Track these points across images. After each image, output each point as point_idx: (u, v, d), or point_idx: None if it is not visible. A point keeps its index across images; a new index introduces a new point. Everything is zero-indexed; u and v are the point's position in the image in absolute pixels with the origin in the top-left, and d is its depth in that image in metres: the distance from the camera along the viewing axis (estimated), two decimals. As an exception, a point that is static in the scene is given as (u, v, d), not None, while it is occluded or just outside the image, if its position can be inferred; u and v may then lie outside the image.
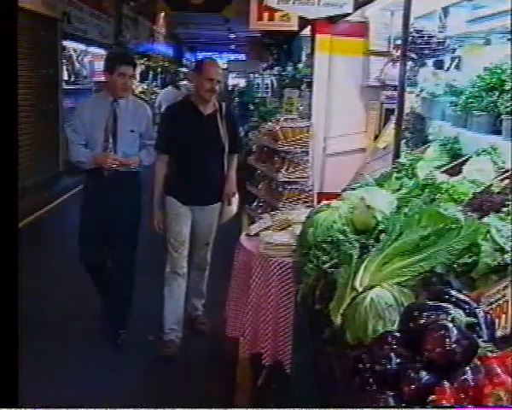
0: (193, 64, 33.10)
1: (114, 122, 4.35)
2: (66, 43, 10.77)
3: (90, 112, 4.40)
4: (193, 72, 4.48)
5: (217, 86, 4.30)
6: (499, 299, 1.89)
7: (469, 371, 1.46)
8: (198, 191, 4.41)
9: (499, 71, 3.60)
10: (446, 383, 1.44)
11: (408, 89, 4.80)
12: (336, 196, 3.34)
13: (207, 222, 4.56)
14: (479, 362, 1.47)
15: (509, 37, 4.51)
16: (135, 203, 4.48)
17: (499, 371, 1.27)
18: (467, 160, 3.37)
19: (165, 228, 4.44)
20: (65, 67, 10.95)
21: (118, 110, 4.38)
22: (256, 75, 17.10)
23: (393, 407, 1.53)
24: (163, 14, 20.47)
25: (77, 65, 11.82)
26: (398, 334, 1.74)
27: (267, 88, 15.18)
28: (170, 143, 4.35)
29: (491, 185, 2.79)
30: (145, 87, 17.46)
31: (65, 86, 10.77)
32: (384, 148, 5.52)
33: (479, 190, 2.77)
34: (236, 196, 4.65)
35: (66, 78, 11.01)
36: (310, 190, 6.10)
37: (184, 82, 24.04)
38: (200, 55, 34.39)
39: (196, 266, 4.76)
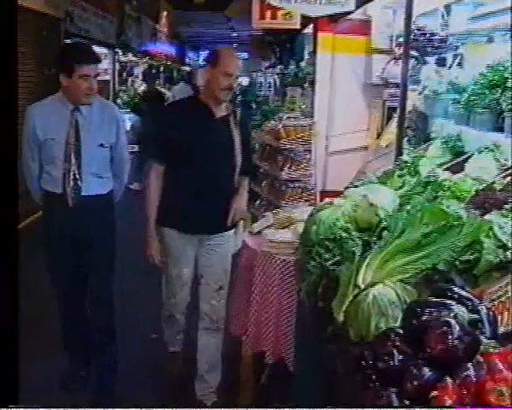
0: (198, 59, 32.96)
1: (77, 136, 3.39)
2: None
3: (44, 124, 3.39)
4: (205, 64, 3.47)
5: (235, 84, 3.37)
6: (502, 296, 1.89)
7: (472, 368, 1.47)
8: (206, 214, 3.36)
9: (501, 68, 3.60)
10: (449, 380, 1.45)
11: (411, 87, 4.81)
12: (339, 194, 3.34)
13: (218, 257, 3.47)
14: (481, 358, 1.48)
15: (512, 34, 4.51)
16: (108, 227, 3.65)
17: (501, 367, 1.27)
18: (469, 157, 3.37)
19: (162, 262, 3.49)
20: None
21: (80, 120, 3.41)
22: (259, 74, 17.08)
23: (396, 407, 1.53)
24: (165, 13, 20.51)
25: (79, 64, 11.81)
26: (400, 331, 1.75)
27: (270, 86, 15.16)
28: (169, 149, 3.31)
29: (493, 183, 2.79)
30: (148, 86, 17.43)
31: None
32: (386, 146, 5.52)
33: (481, 187, 2.77)
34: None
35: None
36: (312, 189, 6.09)
37: (181, 84, 24.08)
38: (203, 53, 34.34)
39: (207, 323, 3.52)
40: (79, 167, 3.40)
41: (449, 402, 1.35)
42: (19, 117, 1.49)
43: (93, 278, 3.63)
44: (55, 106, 3.43)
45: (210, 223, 3.41)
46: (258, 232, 3.90)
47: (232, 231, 3.53)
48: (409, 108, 4.66)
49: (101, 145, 3.47)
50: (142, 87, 16.40)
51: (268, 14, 8.63)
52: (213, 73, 3.27)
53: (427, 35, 5.22)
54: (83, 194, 3.44)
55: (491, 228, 2.14)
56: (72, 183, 3.41)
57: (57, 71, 3.41)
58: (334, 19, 6.43)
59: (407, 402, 1.54)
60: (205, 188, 3.33)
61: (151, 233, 3.40)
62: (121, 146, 3.61)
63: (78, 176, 3.41)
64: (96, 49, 12.52)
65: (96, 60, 3.48)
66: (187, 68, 27.75)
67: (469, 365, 1.49)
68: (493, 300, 1.91)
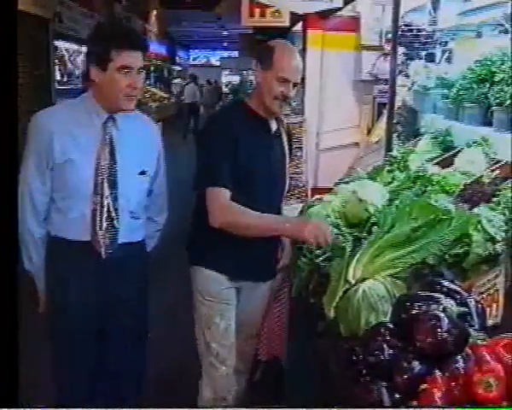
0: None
1: (112, 158, 2.41)
2: (58, 43, 10.74)
3: (64, 140, 2.34)
4: (257, 63, 2.65)
5: (293, 92, 2.59)
6: (490, 288, 1.91)
7: (461, 360, 1.48)
8: (262, 255, 2.71)
9: (489, 63, 3.62)
10: (438, 373, 1.46)
11: (401, 82, 4.82)
12: (330, 190, 3.35)
13: (259, 303, 2.87)
14: (469, 351, 1.49)
15: (501, 29, 4.54)
16: (143, 288, 2.68)
17: (489, 358, 1.28)
18: (458, 152, 3.39)
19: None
20: (57, 68, 10.93)
21: (116, 135, 2.43)
22: (249, 72, 17.09)
23: (397, 407, 1.54)
24: (155, 12, 20.48)
25: (69, 65, 11.79)
26: (390, 325, 1.76)
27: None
28: (235, 172, 2.53)
29: (481, 176, 2.81)
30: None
31: (58, 86, 10.74)
32: (377, 142, 5.53)
33: (470, 181, 2.79)
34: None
35: (58, 78, 10.99)
36: (303, 186, 6.09)
37: (178, 80, 24.05)
38: (194, 53, 34.23)
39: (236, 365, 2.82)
40: (115, 202, 2.42)
41: (438, 395, 1.36)
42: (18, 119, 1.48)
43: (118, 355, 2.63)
44: (79, 114, 2.42)
45: (265, 267, 2.77)
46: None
47: (274, 278, 2.87)
48: (398, 103, 4.68)
49: (143, 173, 2.51)
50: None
51: (257, 11, 8.62)
52: (265, 77, 2.56)
53: (415, 31, 5.24)
54: (120, 241, 2.45)
55: (479, 221, 2.16)
56: (105, 224, 2.41)
57: (87, 64, 2.43)
58: (323, 16, 6.45)
59: (397, 396, 1.55)
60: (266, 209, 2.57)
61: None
62: (162, 177, 2.67)
63: (113, 214, 2.42)
64: (86, 49, 12.54)
65: (143, 46, 2.43)
66: (178, 68, 27.78)
67: (458, 357, 1.50)
68: (482, 292, 1.92)
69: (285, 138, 2.78)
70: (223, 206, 2.48)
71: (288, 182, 2.82)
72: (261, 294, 2.84)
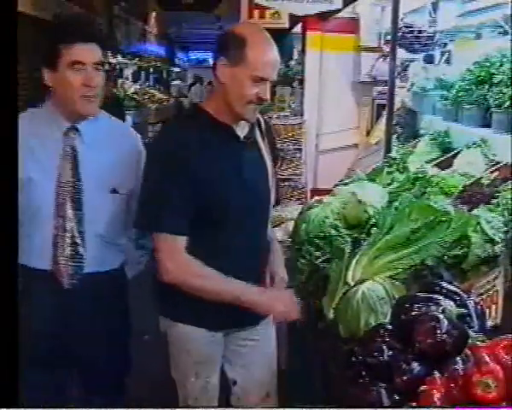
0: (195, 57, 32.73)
1: (75, 174, 2.10)
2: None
3: (24, 154, 1.70)
4: (223, 60, 2.01)
5: (267, 94, 2.04)
6: (489, 290, 1.91)
7: (460, 362, 1.48)
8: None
9: (488, 64, 3.62)
10: (437, 374, 1.46)
11: (400, 83, 4.83)
12: (329, 192, 3.35)
13: (260, 351, 2.30)
14: (469, 352, 1.49)
15: (500, 30, 4.55)
16: (120, 322, 2.35)
17: (488, 359, 1.29)
18: (457, 153, 3.39)
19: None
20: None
21: (80, 147, 2.12)
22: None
23: (397, 407, 1.54)
24: (154, 13, 20.47)
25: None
26: (389, 326, 1.76)
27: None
28: (192, 202, 2.00)
29: (481, 178, 2.81)
30: (138, 87, 17.43)
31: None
32: (376, 143, 5.53)
33: (469, 182, 2.79)
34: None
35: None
36: (303, 187, 6.11)
37: (177, 81, 24.07)
38: (193, 54, 34.27)
39: None
40: (80, 225, 2.10)
41: (437, 396, 1.36)
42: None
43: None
44: (39, 125, 2.14)
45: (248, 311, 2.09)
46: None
47: None
48: (397, 105, 4.68)
49: (115, 191, 2.16)
50: (131, 89, 16.37)
51: (256, 13, 8.63)
52: (234, 75, 1.98)
53: (415, 32, 5.24)
54: (86, 271, 2.13)
55: (478, 223, 2.16)
56: (68, 251, 2.09)
57: (41, 65, 2.10)
58: (322, 17, 6.45)
59: (396, 397, 1.55)
60: (238, 258, 2.08)
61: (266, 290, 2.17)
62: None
63: (78, 239, 2.09)
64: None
65: (98, 37, 2.10)
66: (177, 69, 27.78)
67: (457, 358, 1.50)
68: (481, 294, 1.93)
69: (262, 141, 2.20)
70: (172, 259, 1.98)
71: (273, 193, 2.24)
72: (257, 337, 2.27)
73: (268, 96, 2.03)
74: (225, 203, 2.03)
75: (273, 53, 2.03)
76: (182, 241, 1.99)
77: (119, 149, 2.21)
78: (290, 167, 6.04)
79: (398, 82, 4.62)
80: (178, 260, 1.99)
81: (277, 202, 2.40)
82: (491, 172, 2.89)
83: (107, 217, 2.16)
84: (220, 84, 2.02)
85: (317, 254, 2.51)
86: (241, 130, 2.12)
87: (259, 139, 2.20)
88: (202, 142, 2.00)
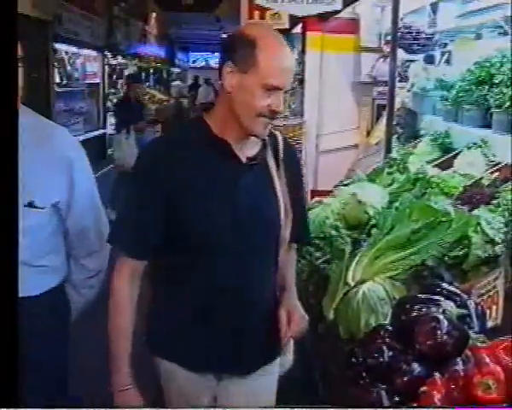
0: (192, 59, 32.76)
1: None
2: (57, 45, 10.75)
3: None
4: (230, 65, 1.69)
5: (281, 106, 1.72)
6: (490, 290, 1.91)
7: (460, 362, 1.48)
8: (237, 339, 1.84)
9: (488, 65, 3.62)
10: (437, 375, 1.46)
11: (400, 84, 4.83)
12: (330, 192, 3.35)
13: (256, 399, 1.94)
14: (469, 353, 1.49)
15: (500, 31, 4.55)
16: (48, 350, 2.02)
17: (488, 360, 1.28)
18: (458, 153, 3.39)
19: None
20: (56, 70, 10.94)
21: None
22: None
23: (398, 407, 1.54)
24: (154, 14, 20.49)
25: (68, 67, 11.81)
26: (390, 327, 1.76)
27: (259, 86, 15.18)
28: (162, 232, 1.74)
29: (481, 178, 2.81)
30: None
31: (57, 89, 10.75)
32: (376, 144, 5.53)
33: (469, 183, 2.79)
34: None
35: (57, 80, 10.99)
36: (303, 188, 6.10)
37: (177, 82, 24.10)
38: (194, 56, 34.28)
39: None
40: None
41: (438, 397, 1.36)
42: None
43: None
44: None
45: (245, 355, 1.85)
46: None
47: (277, 360, 1.97)
48: (397, 105, 4.68)
49: (31, 205, 1.83)
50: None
51: (256, 14, 8.63)
52: (242, 83, 1.68)
53: (414, 33, 5.25)
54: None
55: (479, 223, 2.16)
56: None
57: None
58: (322, 18, 6.44)
59: (397, 398, 1.55)
60: (231, 291, 1.77)
61: (125, 381, 1.79)
62: (84, 211, 2.01)
63: None
64: (85, 51, 12.55)
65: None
66: (177, 70, 27.80)
67: (458, 359, 1.50)
68: (482, 294, 1.92)
69: (275, 166, 1.83)
70: (117, 278, 1.78)
71: (287, 230, 1.84)
72: (255, 384, 1.90)
73: (282, 108, 1.71)
74: (207, 234, 1.72)
75: (287, 58, 1.71)
76: (133, 264, 1.75)
77: (39, 155, 1.84)
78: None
79: (398, 82, 4.62)
80: (120, 282, 1.77)
81: (298, 240, 2.01)
82: (492, 173, 2.89)
83: (24, 236, 1.62)
84: (226, 93, 1.71)
85: (318, 254, 2.51)
86: (247, 149, 1.77)
87: (271, 163, 1.82)
88: (190, 160, 1.72)
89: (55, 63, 10.82)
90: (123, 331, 1.79)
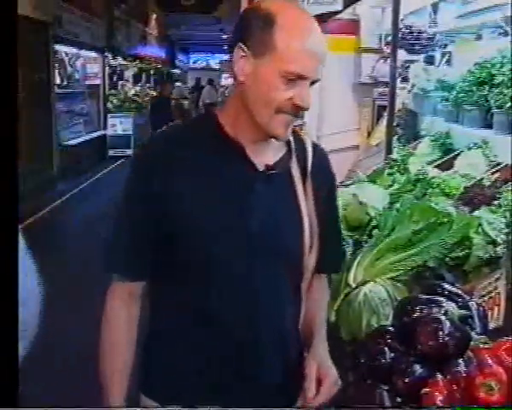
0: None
1: None
2: (57, 46, 10.76)
3: None
4: (243, 48, 1.34)
5: (308, 100, 1.35)
6: (491, 291, 1.90)
7: (462, 364, 1.48)
8: (249, 378, 1.48)
9: (489, 65, 3.62)
10: (439, 376, 1.45)
11: (400, 85, 4.83)
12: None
13: None
14: (471, 354, 1.48)
15: (500, 31, 4.55)
16: None
17: (490, 361, 1.28)
18: (458, 154, 3.39)
19: None
20: (57, 71, 10.95)
21: None
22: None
23: (399, 408, 1.54)
24: (154, 15, 20.51)
25: (69, 68, 11.82)
26: (391, 329, 1.75)
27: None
28: (159, 251, 1.44)
29: (482, 179, 2.81)
30: (138, 89, 17.46)
31: (57, 90, 10.75)
32: (377, 144, 5.53)
33: (470, 184, 2.79)
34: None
35: (58, 82, 11.00)
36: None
37: (177, 84, 24.13)
38: (194, 57, 34.28)
39: None
40: None
41: (439, 398, 1.35)
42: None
43: None
44: None
45: (246, 391, 1.47)
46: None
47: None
48: (398, 106, 4.68)
49: None
50: (132, 91, 16.40)
51: (257, 15, 8.64)
52: (258, 70, 1.34)
53: (415, 33, 5.25)
54: None
55: (480, 224, 2.16)
56: None
57: None
58: (322, 19, 6.44)
59: (399, 399, 1.54)
60: (242, 322, 1.44)
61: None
62: None
63: None
64: (86, 53, 12.55)
65: None
66: (177, 71, 27.82)
67: (460, 360, 1.50)
68: (483, 295, 1.92)
69: (301, 178, 1.48)
70: (110, 299, 1.52)
71: (312, 257, 1.51)
72: None
73: (309, 104, 1.36)
74: (209, 257, 1.40)
75: (315, 39, 1.36)
76: (125, 285, 1.50)
77: None
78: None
79: (398, 83, 4.62)
80: (113, 304, 1.51)
81: (325, 270, 1.65)
82: (493, 174, 2.89)
83: None
84: (239, 84, 1.38)
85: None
86: (266, 154, 1.44)
87: (296, 174, 1.48)
88: (193, 165, 1.40)
89: (56, 64, 10.84)
90: (118, 358, 1.51)
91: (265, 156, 1.44)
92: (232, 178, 1.41)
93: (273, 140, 1.42)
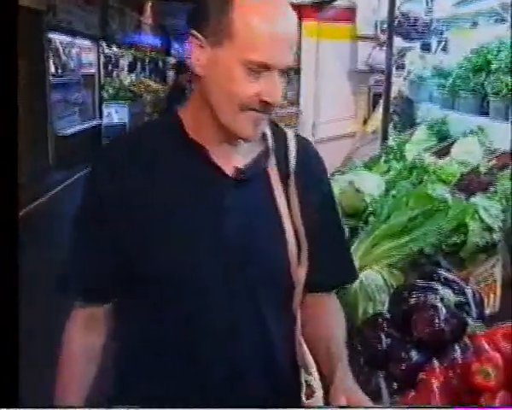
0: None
1: None
2: (52, 35, 10.69)
3: None
4: (198, 37, 1.14)
5: (276, 94, 1.14)
6: (487, 277, 1.91)
7: (459, 350, 1.48)
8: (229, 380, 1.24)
9: (485, 52, 3.61)
10: (436, 362, 1.46)
11: (396, 72, 4.82)
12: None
13: None
14: (468, 340, 1.49)
15: (497, 18, 4.53)
16: None
17: (487, 347, 1.28)
18: (454, 141, 3.38)
19: None
20: (51, 60, 10.88)
21: None
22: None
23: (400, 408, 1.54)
24: (150, 4, 20.39)
25: (63, 57, 11.75)
26: (388, 315, 1.75)
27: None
28: (110, 269, 1.25)
29: (478, 166, 2.81)
30: (133, 78, 17.39)
31: (52, 79, 10.70)
32: (373, 132, 5.53)
33: (466, 170, 2.79)
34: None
35: (53, 71, 10.94)
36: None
37: (172, 72, 24.07)
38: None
39: None
40: None
41: (436, 384, 1.35)
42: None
43: None
44: None
45: None
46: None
47: None
48: (394, 93, 4.67)
49: None
50: (127, 79, 16.33)
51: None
52: (217, 60, 1.15)
53: (411, 20, 5.23)
54: None
55: (476, 211, 2.15)
56: None
57: None
58: (318, 6, 6.42)
59: (395, 385, 1.55)
60: (218, 347, 1.24)
61: None
62: None
63: None
64: (80, 41, 12.48)
65: None
66: (172, 59, 27.69)
67: (456, 347, 1.50)
68: (479, 282, 1.92)
69: (280, 182, 1.27)
70: (69, 323, 1.36)
71: (300, 272, 1.27)
72: None
73: (278, 98, 1.15)
74: (174, 278, 1.21)
75: (280, 21, 1.13)
76: (87, 310, 1.33)
77: None
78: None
79: (394, 70, 4.61)
80: (71, 329, 1.36)
81: (322, 286, 1.36)
82: (489, 161, 2.88)
83: None
84: (197, 79, 1.20)
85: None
86: (236, 156, 1.24)
87: (274, 174, 1.27)
88: (153, 172, 1.22)
89: (50, 53, 10.77)
90: (76, 386, 1.40)
91: (235, 159, 1.24)
92: (198, 186, 1.22)
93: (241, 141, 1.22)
